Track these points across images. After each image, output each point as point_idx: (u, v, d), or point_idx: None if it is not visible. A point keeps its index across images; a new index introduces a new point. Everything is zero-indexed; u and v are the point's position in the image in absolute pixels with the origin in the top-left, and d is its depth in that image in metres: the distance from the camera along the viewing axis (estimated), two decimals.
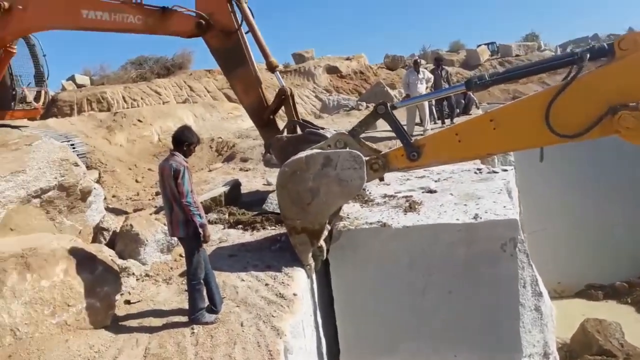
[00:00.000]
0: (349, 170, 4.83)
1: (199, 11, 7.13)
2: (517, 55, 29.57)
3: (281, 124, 7.74)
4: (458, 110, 13.64)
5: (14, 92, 9.62)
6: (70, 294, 4.07)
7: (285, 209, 5.19)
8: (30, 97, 9.96)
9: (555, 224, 12.59)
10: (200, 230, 4.14)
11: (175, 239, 4.95)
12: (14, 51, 8.93)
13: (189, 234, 4.17)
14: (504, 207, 5.75)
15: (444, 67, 13.45)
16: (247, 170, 10.76)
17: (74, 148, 9.72)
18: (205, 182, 9.79)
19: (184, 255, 4.50)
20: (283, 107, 7.54)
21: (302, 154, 5.08)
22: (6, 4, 7.67)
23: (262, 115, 7.50)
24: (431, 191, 6.78)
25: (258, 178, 9.75)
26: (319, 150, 5.11)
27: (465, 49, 31.02)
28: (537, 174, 11.26)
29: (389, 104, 5.16)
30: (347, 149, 5.03)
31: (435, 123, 13.00)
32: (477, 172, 7.71)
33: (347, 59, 28.05)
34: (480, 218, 5.48)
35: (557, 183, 12.55)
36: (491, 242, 5.36)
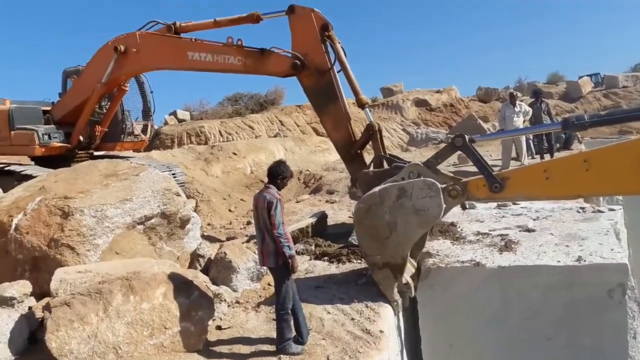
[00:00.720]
0: (424, 199, 4.76)
1: (295, 52, 7.45)
2: (624, 87, 27.66)
3: (368, 158, 7.78)
4: (558, 145, 12.95)
5: (124, 126, 10.62)
6: (168, 316, 4.26)
7: (364, 246, 5.16)
8: (137, 130, 10.93)
9: None
10: (289, 261, 4.22)
11: (265, 268, 5.07)
12: (127, 89, 9.91)
13: (278, 264, 4.26)
14: (612, 249, 5.33)
15: (543, 99, 12.82)
16: (333, 202, 10.87)
17: (174, 177, 10.48)
18: (293, 213, 9.98)
19: (273, 284, 4.59)
20: (370, 142, 7.59)
21: (375, 189, 5.05)
22: (122, 48, 8.55)
23: (350, 150, 7.59)
24: (529, 230, 6.42)
25: (344, 210, 9.80)
26: (393, 183, 5.06)
27: (565, 81, 29.57)
28: None
29: (467, 137, 5.08)
30: (421, 178, 4.97)
31: (533, 158, 12.40)
32: (580, 210, 7.23)
33: (437, 91, 27.82)
34: (585, 261, 5.10)
35: None
36: (596, 287, 4.97)
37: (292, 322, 4.31)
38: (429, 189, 4.76)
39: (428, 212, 4.77)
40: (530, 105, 12.46)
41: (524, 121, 11.74)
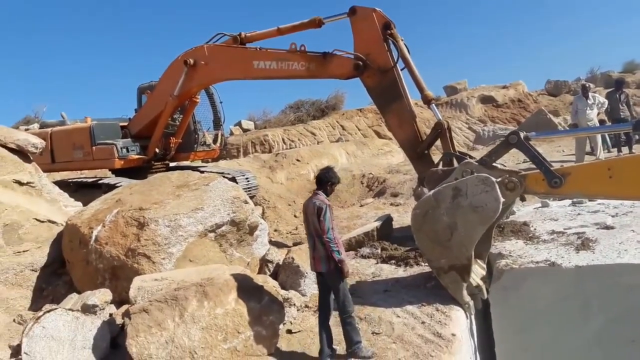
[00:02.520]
0: (480, 194, 4.65)
1: (357, 53, 7.45)
2: None
3: (435, 157, 7.61)
4: (638, 137, 12.07)
5: (196, 136, 11.10)
6: (240, 321, 4.38)
7: (426, 251, 5.09)
8: (209, 139, 11.37)
9: None
10: (340, 265, 4.22)
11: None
12: (198, 101, 10.35)
13: (330, 269, 4.27)
14: None
15: (623, 90, 11.89)
16: (397, 205, 10.75)
17: (247, 181, 10.80)
18: (358, 217, 9.97)
19: (317, 289, 4.58)
20: (439, 140, 7.41)
21: (429, 192, 4.99)
22: (191, 61, 8.92)
23: (416, 149, 7.45)
24: (608, 227, 6.07)
25: (409, 213, 9.60)
26: (446, 184, 4.95)
27: None
28: None
29: (522, 134, 4.95)
30: (474, 174, 4.84)
31: (609, 152, 11.67)
32: None
33: (504, 87, 26.86)
34: None
35: None
36: None
37: (356, 324, 4.30)
38: (484, 183, 4.66)
39: (486, 208, 4.66)
40: (607, 95, 11.68)
41: (598, 113, 11.07)
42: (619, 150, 11.36)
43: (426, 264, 6.15)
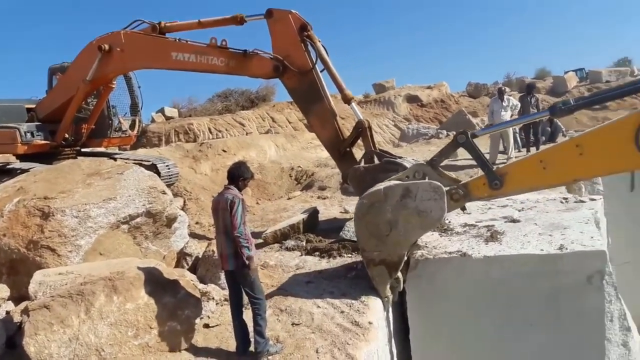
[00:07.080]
0: (428, 201, 4.75)
1: (276, 54, 7.46)
2: (607, 82, 27.69)
3: (358, 155, 7.77)
4: (544, 139, 13.10)
5: (110, 122, 10.55)
6: (153, 316, 4.21)
7: (363, 241, 5.14)
8: (125, 126, 10.85)
9: None
10: (247, 262, 4.10)
11: None
12: (114, 86, 9.88)
13: (238, 266, 4.15)
14: (592, 237, 5.40)
15: (534, 94, 12.81)
16: (325, 198, 10.84)
17: (168, 169, 10.38)
18: (284, 210, 9.95)
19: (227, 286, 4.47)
20: (361, 139, 7.59)
21: (380, 186, 5.03)
22: (107, 47, 8.51)
23: (339, 148, 7.61)
24: (514, 220, 6.46)
25: (335, 206, 9.78)
26: (398, 182, 5.04)
27: (552, 76, 29.71)
28: (626, 203, 10.43)
29: (469, 133, 5.09)
30: (427, 180, 4.96)
31: (519, 151, 12.49)
32: (563, 201, 7.34)
33: (428, 87, 27.85)
34: (566, 249, 5.16)
35: None
36: (577, 274, 5.04)
37: (266, 320, 4.27)
38: (434, 191, 4.75)
39: (430, 215, 4.77)
40: (520, 98, 12.51)
41: (511, 115, 11.80)
42: (528, 150, 12.16)
43: (349, 255, 6.26)
